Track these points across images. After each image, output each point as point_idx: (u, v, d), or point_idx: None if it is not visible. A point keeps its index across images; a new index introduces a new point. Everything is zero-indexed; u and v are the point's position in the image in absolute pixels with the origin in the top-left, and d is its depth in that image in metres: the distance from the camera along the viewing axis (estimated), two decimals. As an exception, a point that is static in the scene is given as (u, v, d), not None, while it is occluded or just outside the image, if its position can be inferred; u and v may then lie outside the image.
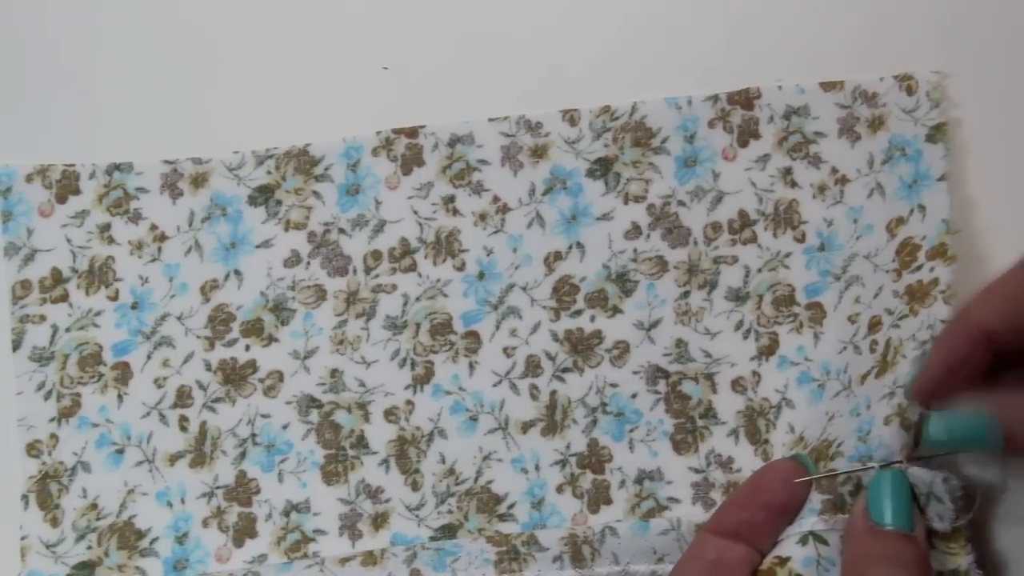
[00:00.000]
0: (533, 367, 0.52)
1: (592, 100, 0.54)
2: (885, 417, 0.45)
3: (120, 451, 0.52)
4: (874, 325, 0.49)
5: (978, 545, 0.46)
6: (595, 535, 0.49)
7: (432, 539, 0.50)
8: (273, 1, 0.57)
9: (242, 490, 0.52)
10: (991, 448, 0.43)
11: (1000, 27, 0.53)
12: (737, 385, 0.51)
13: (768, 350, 0.51)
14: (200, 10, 0.57)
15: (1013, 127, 0.52)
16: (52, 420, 0.53)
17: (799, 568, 0.45)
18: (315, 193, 0.54)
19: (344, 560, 0.49)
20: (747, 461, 0.50)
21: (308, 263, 0.53)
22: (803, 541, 0.45)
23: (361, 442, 0.52)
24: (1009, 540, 0.48)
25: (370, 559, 0.49)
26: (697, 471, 0.50)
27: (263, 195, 0.54)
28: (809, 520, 0.46)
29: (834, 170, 0.52)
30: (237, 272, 0.53)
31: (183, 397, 0.53)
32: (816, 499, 0.46)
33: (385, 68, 0.55)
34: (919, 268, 0.48)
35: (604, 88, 0.54)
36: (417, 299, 0.53)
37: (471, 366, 0.52)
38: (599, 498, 0.50)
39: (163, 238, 0.54)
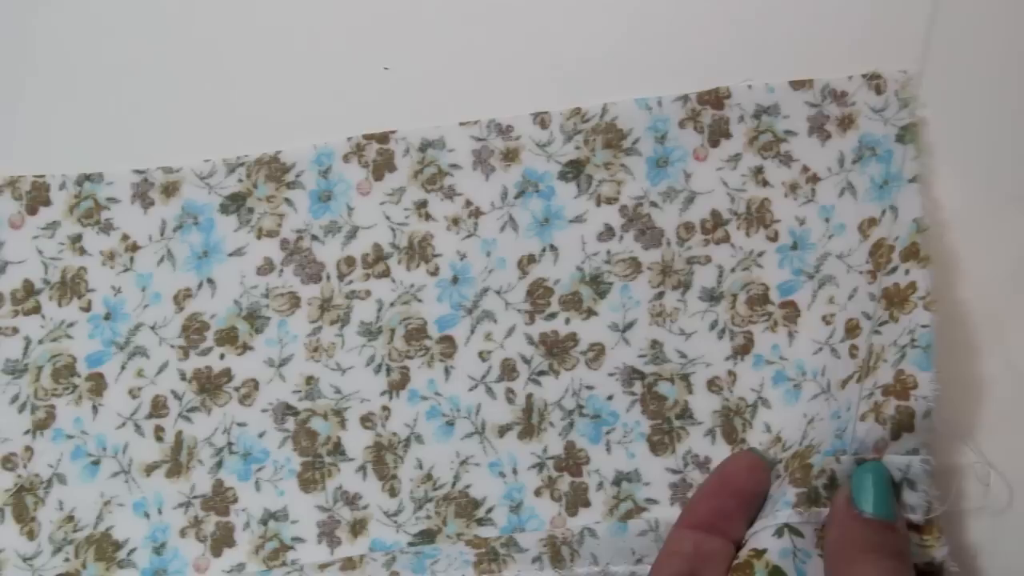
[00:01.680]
0: (509, 371, 0.52)
1: (562, 102, 0.54)
2: (861, 414, 0.45)
3: (96, 462, 0.52)
4: (851, 329, 0.49)
5: (952, 538, 0.47)
6: (574, 536, 0.49)
7: (411, 544, 0.50)
8: (241, 10, 0.57)
9: (219, 499, 0.51)
10: None
11: (967, 26, 0.53)
12: (713, 385, 0.51)
13: (743, 349, 0.51)
14: (168, 20, 0.57)
15: (980, 127, 0.52)
16: (27, 432, 0.52)
17: (775, 560, 0.45)
18: (287, 200, 0.54)
19: (323, 566, 0.49)
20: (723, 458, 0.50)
21: (281, 270, 0.53)
22: (779, 533, 0.45)
23: (338, 449, 0.51)
24: (982, 533, 0.48)
25: (349, 564, 0.49)
26: (675, 472, 0.50)
27: (235, 203, 0.54)
28: (784, 513, 0.46)
29: (805, 168, 0.52)
30: (210, 281, 0.53)
31: (158, 407, 0.52)
32: (791, 492, 0.46)
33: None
34: (894, 270, 0.48)
35: (574, 90, 0.54)
36: (391, 305, 0.52)
37: (447, 371, 0.52)
38: (577, 500, 0.50)
39: (135, 248, 0.54)
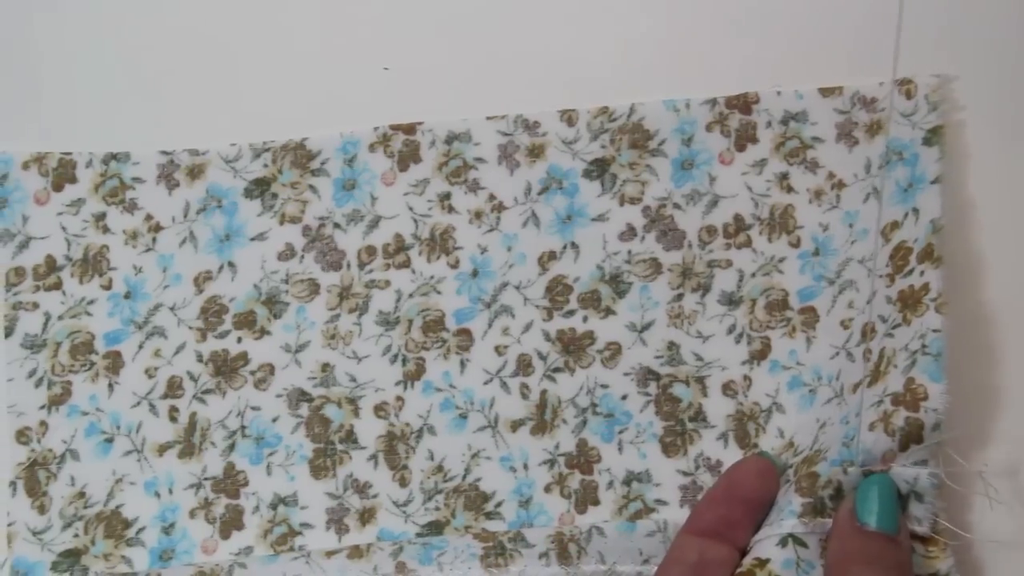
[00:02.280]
0: (524, 366, 0.52)
1: (590, 101, 0.54)
2: (870, 423, 0.45)
3: (109, 440, 0.52)
4: (868, 333, 0.48)
5: (956, 551, 0.46)
6: (582, 534, 0.49)
7: (418, 535, 0.50)
8: (275, -5, 0.57)
9: (230, 482, 0.51)
10: None
11: (999, 29, 0.52)
12: (728, 389, 0.50)
13: (760, 354, 0.51)
14: (202, 3, 0.57)
15: (1014, 129, 0.52)
16: (42, 407, 0.53)
17: (778, 570, 0.45)
18: (311, 187, 0.54)
19: (330, 553, 0.49)
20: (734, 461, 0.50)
21: (302, 257, 0.53)
22: (783, 543, 0.45)
23: (350, 437, 0.51)
24: (988, 547, 0.48)
25: (356, 552, 0.49)
26: (686, 474, 0.50)
27: (259, 188, 0.54)
28: (789, 522, 0.46)
29: (831, 175, 0.52)
30: (231, 264, 0.53)
31: (173, 388, 0.52)
32: (796, 502, 0.46)
33: (386, 68, 0.55)
34: (911, 272, 0.48)
35: (603, 89, 0.54)
36: (410, 295, 0.52)
37: (462, 363, 0.52)
38: (587, 498, 0.50)
39: (158, 228, 0.54)
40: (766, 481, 0.47)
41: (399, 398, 0.52)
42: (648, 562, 0.48)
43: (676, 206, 0.52)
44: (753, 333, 0.51)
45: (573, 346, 0.52)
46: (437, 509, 0.51)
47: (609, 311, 0.52)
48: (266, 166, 0.54)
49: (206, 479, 0.52)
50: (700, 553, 0.46)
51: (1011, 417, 0.49)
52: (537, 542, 0.49)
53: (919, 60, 0.52)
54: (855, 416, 0.47)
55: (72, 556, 0.51)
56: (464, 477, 0.51)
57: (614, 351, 0.51)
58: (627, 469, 0.50)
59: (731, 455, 0.50)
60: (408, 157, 0.54)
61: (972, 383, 0.49)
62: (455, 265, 0.53)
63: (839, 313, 0.50)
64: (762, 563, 0.45)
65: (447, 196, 0.53)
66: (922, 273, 0.48)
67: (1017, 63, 0.53)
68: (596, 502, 0.50)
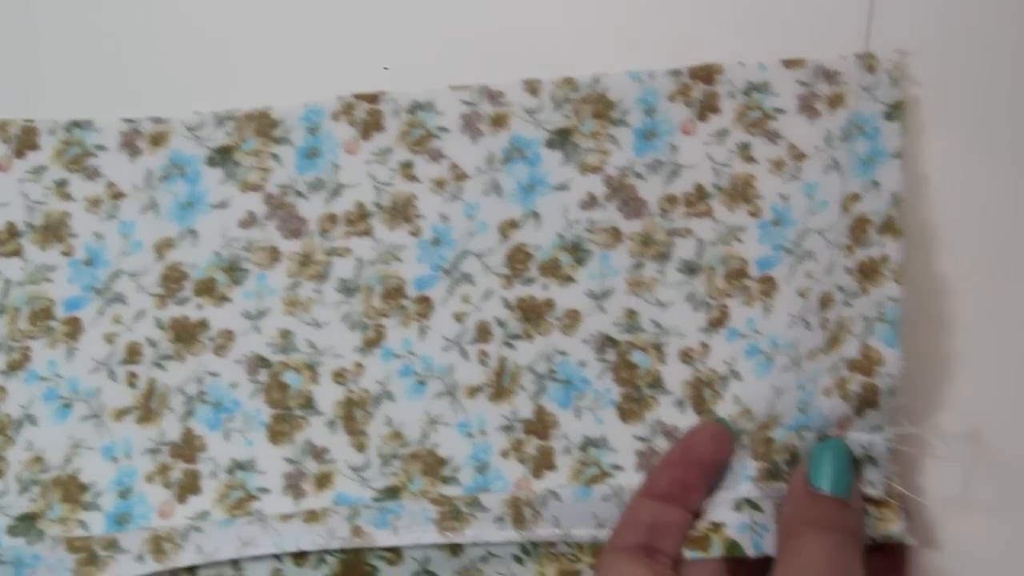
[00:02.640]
0: (483, 333, 0.52)
1: (554, 71, 0.54)
2: (826, 388, 0.45)
3: (67, 405, 0.52)
4: (826, 302, 0.48)
5: (910, 514, 0.46)
6: (537, 498, 0.49)
7: (375, 500, 0.50)
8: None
9: (188, 447, 0.51)
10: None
11: (954, 4, 0.53)
12: (685, 356, 0.50)
13: (718, 322, 0.51)
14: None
15: (973, 105, 0.52)
16: (0, 373, 0.52)
17: (733, 534, 0.45)
18: (273, 156, 0.54)
19: (286, 517, 0.49)
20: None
21: (264, 224, 0.53)
22: (738, 507, 0.45)
23: (309, 403, 0.51)
24: (941, 509, 0.48)
25: (312, 516, 0.49)
26: (642, 439, 0.50)
27: (222, 156, 0.54)
28: (744, 486, 0.46)
29: (792, 146, 0.52)
30: (192, 231, 0.53)
31: (133, 354, 0.52)
32: (751, 466, 0.46)
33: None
34: (871, 244, 0.48)
35: (566, 60, 0.54)
36: (371, 263, 0.52)
37: (422, 330, 0.52)
38: (543, 463, 0.50)
39: (120, 196, 0.54)
40: (720, 445, 0.48)
41: (358, 364, 0.52)
42: (603, 526, 0.48)
43: (637, 175, 0.52)
44: (712, 301, 0.51)
45: (532, 313, 0.52)
46: (394, 474, 0.50)
47: (569, 279, 0.52)
48: (229, 134, 0.54)
49: (164, 444, 0.52)
50: (654, 516, 0.46)
51: (962, 384, 0.49)
52: (492, 506, 0.49)
53: (880, 35, 0.52)
54: (811, 383, 0.47)
55: (28, 520, 0.51)
56: (422, 443, 0.51)
57: (573, 318, 0.51)
58: (584, 435, 0.50)
59: (688, 421, 0.50)
60: (371, 126, 0.54)
61: (926, 351, 0.49)
62: (416, 233, 0.53)
63: (797, 282, 0.50)
64: (717, 527, 0.45)
65: (409, 165, 0.53)
66: (883, 245, 0.48)
67: (973, 39, 0.53)
68: (552, 467, 0.50)
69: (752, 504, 0.46)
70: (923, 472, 0.48)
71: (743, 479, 0.46)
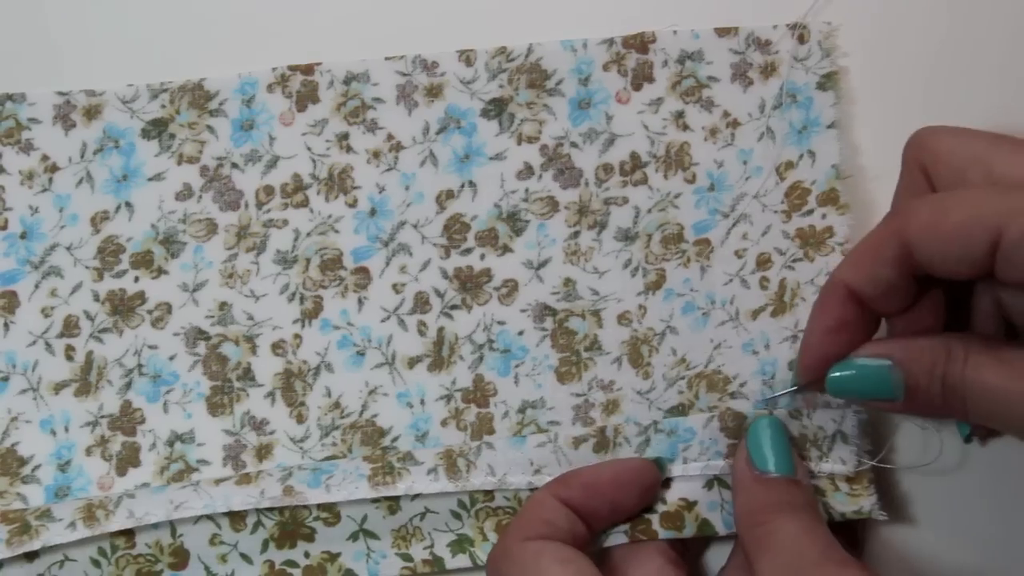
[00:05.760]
0: (422, 303, 0.52)
1: (488, 41, 0.54)
2: (789, 362, 0.46)
3: (5, 379, 0.52)
4: (763, 262, 0.50)
5: (882, 488, 0.47)
6: (471, 449, 0.49)
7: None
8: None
9: (127, 419, 0.51)
10: (893, 398, 0.43)
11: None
12: (623, 319, 0.51)
13: (655, 285, 0.51)
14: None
15: (900, 76, 0.53)
16: (-64, 348, 0.52)
17: (704, 512, 0.47)
18: (209, 128, 0.54)
19: (218, 481, 0.49)
20: (628, 381, 0.51)
21: (200, 197, 0.53)
22: (708, 485, 0.47)
23: (248, 374, 0.51)
24: (913, 484, 0.49)
25: (245, 479, 0.49)
26: (578, 395, 0.50)
27: (156, 128, 0.54)
28: (716, 464, 0.48)
29: (726, 114, 0.53)
30: (128, 204, 0.53)
31: (70, 327, 0.52)
32: (722, 443, 0.48)
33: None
34: (810, 212, 0.50)
35: (500, 29, 0.54)
36: (308, 234, 0.53)
37: (360, 301, 0.52)
38: (482, 429, 0.51)
39: (54, 169, 0.54)
40: (645, 493, 0.48)
41: (297, 336, 0.52)
42: (539, 472, 0.49)
43: (573, 145, 0.53)
44: (648, 266, 0.52)
45: (470, 283, 0.52)
46: (334, 445, 0.51)
47: (506, 249, 0.52)
48: (164, 107, 0.54)
49: (102, 417, 0.51)
50: (553, 515, 0.46)
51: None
52: (426, 459, 0.49)
53: (817, 5, 0.53)
54: (764, 348, 0.48)
55: (-33, 495, 0.51)
56: (361, 413, 0.51)
57: (511, 288, 0.52)
58: (522, 399, 0.51)
59: (625, 377, 0.51)
60: (306, 97, 0.54)
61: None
62: (353, 204, 0.53)
63: (733, 244, 0.51)
64: (690, 505, 0.47)
65: (345, 136, 0.53)
66: (824, 216, 0.50)
67: (900, 10, 0.53)
68: (491, 431, 0.51)
69: (722, 482, 0.48)
70: (894, 449, 0.49)
71: (714, 455, 0.48)
